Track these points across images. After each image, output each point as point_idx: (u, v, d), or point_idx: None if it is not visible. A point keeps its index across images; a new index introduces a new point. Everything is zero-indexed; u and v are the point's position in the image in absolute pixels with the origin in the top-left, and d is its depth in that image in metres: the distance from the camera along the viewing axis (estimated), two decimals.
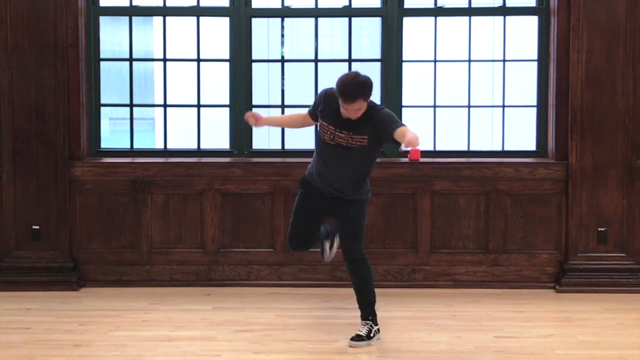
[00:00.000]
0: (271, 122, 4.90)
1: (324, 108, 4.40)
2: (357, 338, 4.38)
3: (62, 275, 5.52)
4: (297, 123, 4.76)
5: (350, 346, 4.35)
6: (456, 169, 5.58)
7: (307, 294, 5.11)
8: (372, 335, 4.39)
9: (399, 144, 4.13)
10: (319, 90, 5.62)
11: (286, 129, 5.79)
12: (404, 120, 5.64)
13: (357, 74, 4.22)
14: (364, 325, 4.43)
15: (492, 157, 5.76)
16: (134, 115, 5.90)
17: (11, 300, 5.26)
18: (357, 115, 4.21)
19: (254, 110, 4.78)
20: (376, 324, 4.46)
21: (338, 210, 4.44)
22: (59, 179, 5.50)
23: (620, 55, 5.40)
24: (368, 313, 4.47)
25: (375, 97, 5.63)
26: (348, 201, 4.41)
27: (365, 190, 4.46)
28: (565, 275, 5.52)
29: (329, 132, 4.35)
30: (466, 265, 5.61)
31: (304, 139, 6.10)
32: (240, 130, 5.73)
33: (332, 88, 4.34)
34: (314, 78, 5.77)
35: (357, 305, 4.53)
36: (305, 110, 4.66)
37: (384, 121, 4.23)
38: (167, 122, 5.87)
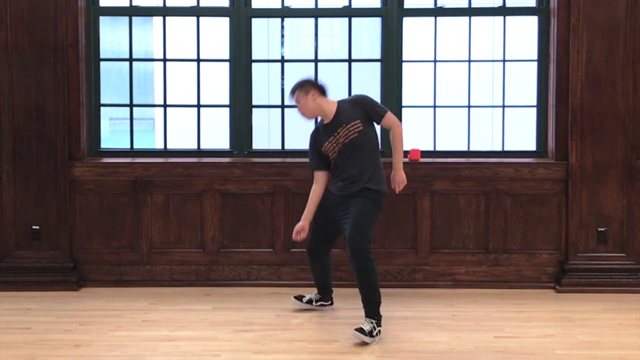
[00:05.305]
0: (311, 212, 4.85)
1: (318, 142, 4.81)
2: (360, 330, 4.39)
3: (62, 275, 5.52)
4: (323, 186, 4.86)
5: (353, 335, 4.37)
6: (456, 169, 5.58)
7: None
8: (374, 334, 4.40)
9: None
10: None
11: (286, 130, 5.80)
12: (404, 121, 5.67)
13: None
14: (368, 322, 4.44)
15: (492, 157, 5.76)
16: (134, 115, 5.90)
17: (11, 300, 5.26)
18: (304, 111, 4.75)
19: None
20: (380, 325, 4.46)
21: (346, 207, 4.65)
22: (59, 179, 5.50)
23: (620, 55, 5.40)
24: (373, 313, 4.48)
25: (376, 97, 5.68)
26: (355, 193, 4.64)
27: (377, 178, 4.68)
28: (565, 275, 5.52)
29: (334, 145, 4.73)
30: (466, 265, 5.62)
31: (304, 139, 6.10)
32: (240, 130, 5.74)
33: (314, 129, 4.90)
34: (314, 78, 5.76)
35: (359, 305, 4.55)
36: (314, 180, 4.89)
37: (367, 105, 4.70)
38: (167, 122, 5.87)
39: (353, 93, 5.76)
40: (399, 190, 4.81)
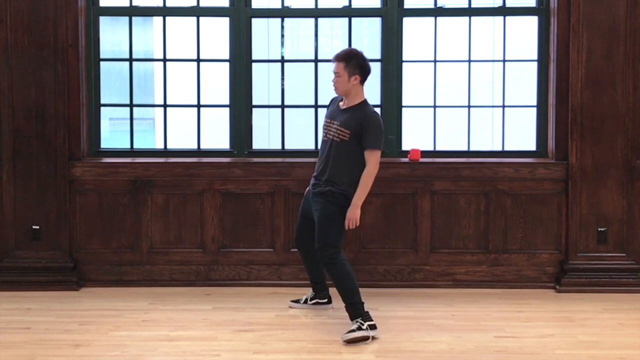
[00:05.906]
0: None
1: (326, 111, 4.80)
2: (348, 332, 4.41)
3: (62, 275, 5.52)
4: None
5: (342, 339, 4.37)
6: (456, 169, 5.58)
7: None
8: (364, 328, 4.40)
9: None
10: (319, 90, 5.69)
11: (286, 129, 5.80)
12: (404, 121, 5.68)
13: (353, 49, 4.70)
14: (354, 323, 4.46)
15: (492, 157, 5.75)
16: (134, 115, 5.90)
17: (11, 300, 5.25)
18: (338, 86, 4.57)
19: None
20: (367, 320, 4.45)
21: (315, 207, 4.63)
22: (59, 179, 5.50)
23: (620, 55, 5.40)
24: (356, 313, 4.48)
25: (375, 97, 5.69)
26: (321, 192, 4.59)
27: (342, 187, 4.54)
28: (565, 275, 5.52)
29: (326, 129, 4.68)
30: (466, 265, 5.61)
31: (303, 139, 6.11)
32: (240, 130, 5.73)
33: (334, 97, 4.82)
34: (314, 78, 5.77)
35: None
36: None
37: (368, 129, 4.49)
38: (167, 122, 5.86)
39: None
40: (347, 227, 4.54)
